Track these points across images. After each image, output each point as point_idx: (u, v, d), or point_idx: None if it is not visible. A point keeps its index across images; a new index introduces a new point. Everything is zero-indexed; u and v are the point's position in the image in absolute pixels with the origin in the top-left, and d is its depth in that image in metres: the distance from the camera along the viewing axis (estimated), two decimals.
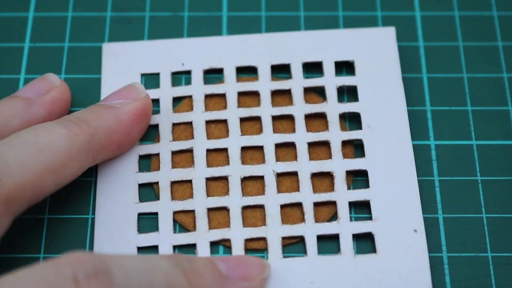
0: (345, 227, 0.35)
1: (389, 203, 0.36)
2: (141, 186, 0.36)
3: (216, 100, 0.39)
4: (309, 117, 0.38)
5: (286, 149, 0.37)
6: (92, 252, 0.29)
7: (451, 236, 0.35)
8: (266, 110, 0.38)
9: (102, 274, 0.28)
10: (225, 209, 0.36)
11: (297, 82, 0.39)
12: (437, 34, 0.41)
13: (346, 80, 0.39)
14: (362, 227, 0.35)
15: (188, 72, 0.40)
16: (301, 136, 0.37)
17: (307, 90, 0.39)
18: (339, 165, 0.37)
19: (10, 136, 0.33)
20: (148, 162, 0.37)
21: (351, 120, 0.38)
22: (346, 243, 0.35)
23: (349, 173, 0.37)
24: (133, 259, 0.30)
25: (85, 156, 0.34)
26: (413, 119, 0.38)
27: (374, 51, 0.39)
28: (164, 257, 0.31)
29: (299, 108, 0.38)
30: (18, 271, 0.28)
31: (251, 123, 0.38)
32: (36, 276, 0.27)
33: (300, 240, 0.35)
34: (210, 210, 0.36)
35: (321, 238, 0.35)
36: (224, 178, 0.37)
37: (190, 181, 0.36)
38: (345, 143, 0.37)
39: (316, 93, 0.39)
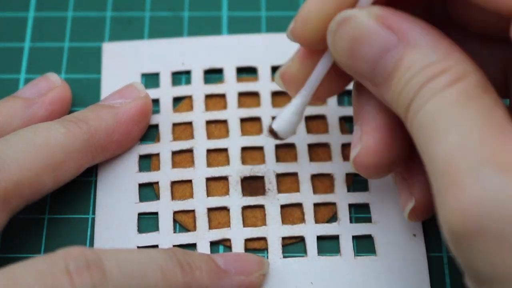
0: (345, 229, 0.35)
1: (388, 206, 0.36)
2: (141, 186, 0.36)
3: (216, 100, 0.39)
4: (309, 119, 0.38)
5: (286, 150, 0.37)
6: (85, 247, 0.29)
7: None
8: (266, 110, 0.38)
9: (94, 266, 0.28)
10: (225, 209, 0.36)
11: None
12: None
13: None
14: (362, 229, 0.35)
15: (188, 72, 0.40)
16: (301, 138, 0.37)
17: None
18: (339, 167, 0.37)
19: (9, 134, 0.33)
20: (148, 162, 0.37)
21: (352, 123, 0.38)
22: (346, 244, 0.35)
23: (349, 175, 0.37)
24: (127, 252, 0.30)
25: (84, 155, 0.34)
26: None
27: None
28: (161, 250, 0.31)
29: None
30: (12, 265, 0.28)
31: (251, 123, 0.38)
32: (30, 268, 0.28)
33: (300, 240, 0.35)
34: (210, 210, 0.36)
35: (321, 238, 0.35)
36: (224, 178, 0.37)
37: (190, 181, 0.36)
38: (345, 145, 0.37)
39: None
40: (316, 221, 0.35)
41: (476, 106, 0.26)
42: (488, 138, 0.25)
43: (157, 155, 0.37)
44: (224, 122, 0.38)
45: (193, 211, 0.36)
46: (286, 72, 0.33)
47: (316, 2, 0.30)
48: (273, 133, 0.33)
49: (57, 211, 0.36)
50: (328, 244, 0.35)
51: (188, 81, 0.40)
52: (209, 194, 0.36)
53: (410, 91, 0.27)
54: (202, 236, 0.35)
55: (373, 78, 0.29)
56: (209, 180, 0.37)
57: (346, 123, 0.38)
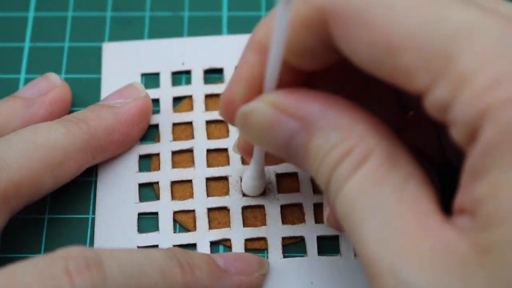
0: None
1: None
2: (141, 186, 0.36)
3: (216, 100, 0.39)
4: None
5: None
6: (85, 246, 0.29)
7: None
8: None
9: (94, 266, 0.28)
10: (225, 209, 0.36)
11: None
12: None
13: None
14: None
15: (188, 72, 0.40)
16: None
17: None
18: None
19: (9, 134, 0.33)
20: (148, 162, 0.37)
21: None
22: (346, 244, 0.35)
23: None
24: (127, 252, 0.30)
25: (84, 155, 0.34)
26: None
27: None
28: (161, 250, 0.31)
29: None
30: (12, 265, 0.28)
31: None
32: (29, 268, 0.28)
33: (300, 240, 0.35)
34: (210, 210, 0.36)
35: (321, 238, 0.35)
36: (224, 178, 0.37)
37: (190, 181, 0.36)
38: None
39: None
40: (316, 221, 0.35)
41: (385, 189, 0.25)
42: (403, 229, 0.24)
43: (157, 155, 0.37)
44: (224, 122, 0.38)
45: (193, 211, 0.36)
46: (239, 145, 0.34)
47: (230, 90, 0.30)
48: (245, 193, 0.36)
49: (57, 211, 0.36)
50: (328, 244, 0.35)
51: (188, 81, 0.40)
52: (209, 194, 0.36)
53: (323, 177, 0.27)
54: (202, 236, 0.35)
55: (291, 160, 0.29)
56: (209, 180, 0.37)
57: None
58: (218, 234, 0.35)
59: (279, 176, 0.37)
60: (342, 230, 0.31)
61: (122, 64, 0.40)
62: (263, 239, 0.35)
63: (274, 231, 0.35)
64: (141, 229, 0.35)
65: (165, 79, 0.39)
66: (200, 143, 0.37)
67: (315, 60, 0.28)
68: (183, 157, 0.37)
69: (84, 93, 0.39)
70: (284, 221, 0.35)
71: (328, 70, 0.29)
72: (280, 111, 0.28)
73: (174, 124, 0.38)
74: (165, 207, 0.36)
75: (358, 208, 0.25)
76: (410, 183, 0.25)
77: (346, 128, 0.27)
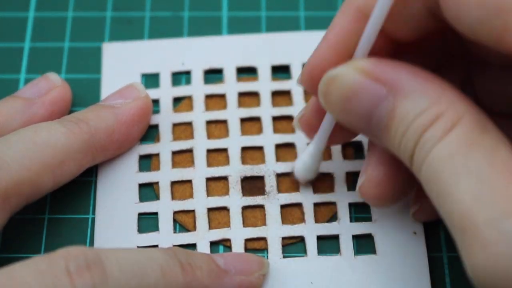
0: (345, 228, 0.35)
1: None
2: (141, 186, 0.36)
3: (216, 100, 0.39)
4: None
5: (286, 150, 0.37)
6: (86, 246, 0.29)
7: (451, 236, 0.35)
8: (266, 110, 0.38)
9: (95, 266, 0.28)
10: (225, 209, 0.36)
11: None
12: None
13: None
14: (362, 228, 0.35)
15: (188, 72, 0.40)
16: (302, 137, 0.37)
17: None
18: (339, 166, 0.37)
19: (9, 134, 0.33)
20: (148, 162, 0.37)
21: None
22: (346, 244, 0.35)
23: (349, 174, 0.37)
24: (128, 252, 0.30)
25: (84, 155, 0.34)
26: None
27: None
28: (161, 250, 0.31)
29: (299, 109, 0.38)
30: (12, 264, 0.28)
31: (251, 123, 0.38)
32: (30, 268, 0.28)
33: (300, 240, 0.35)
34: (210, 210, 0.36)
35: (321, 238, 0.35)
36: (224, 178, 0.37)
37: (190, 181, 0.36)
38: (345, 145, 0.37)
39: None
40: (316, 221, 0.35)
41: (478, 152, 0.25)
42: (500, 186, 0.25)
43: (157, 155, 0.37)
44: (224, 122, 0.38)
45: (193, 211, 0.36)
46: (303, 117, 0.33)
47: (318, 55, 0.30)
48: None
49: (57, 211, 0.36)
50: (328, 244, 0.35)
51: (188, 81, 0.40)
52: (209, 194, 0.36)
53: (409, 143, 0.27)
54: (202, 236, 0.35)
55: (371, 131, 0.29)
56: (209, 180, 0.37)
57: None
58: (218, 234, 0.35)
59: (279, 176, 0.37)
60: (374, 200, 0.31)
61: (122, 64, 0.40)
62: (263, 239, 0.35)
63: (274, 231, 0.35)
64: (141, 229, 0.35)
65: (165, 79, 0.39)
66: (200, 143, 0.37)
67: (412, 28, 0.28)
68: (183, 157, 0.37)
69: (84, 93, 0.39)
70: (284, 221, 0.35)
71: (411, 45, 0.29)
72: (368, 76, 0.28)
73: (174, 124, 0.38)
74: (165, 207, 0.36)
75: (450, 169, 0.25)
76: (501, 148, 0.26)
77: (435, 94, 0.27)
